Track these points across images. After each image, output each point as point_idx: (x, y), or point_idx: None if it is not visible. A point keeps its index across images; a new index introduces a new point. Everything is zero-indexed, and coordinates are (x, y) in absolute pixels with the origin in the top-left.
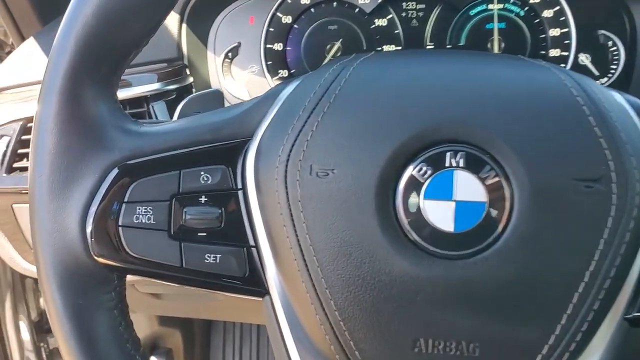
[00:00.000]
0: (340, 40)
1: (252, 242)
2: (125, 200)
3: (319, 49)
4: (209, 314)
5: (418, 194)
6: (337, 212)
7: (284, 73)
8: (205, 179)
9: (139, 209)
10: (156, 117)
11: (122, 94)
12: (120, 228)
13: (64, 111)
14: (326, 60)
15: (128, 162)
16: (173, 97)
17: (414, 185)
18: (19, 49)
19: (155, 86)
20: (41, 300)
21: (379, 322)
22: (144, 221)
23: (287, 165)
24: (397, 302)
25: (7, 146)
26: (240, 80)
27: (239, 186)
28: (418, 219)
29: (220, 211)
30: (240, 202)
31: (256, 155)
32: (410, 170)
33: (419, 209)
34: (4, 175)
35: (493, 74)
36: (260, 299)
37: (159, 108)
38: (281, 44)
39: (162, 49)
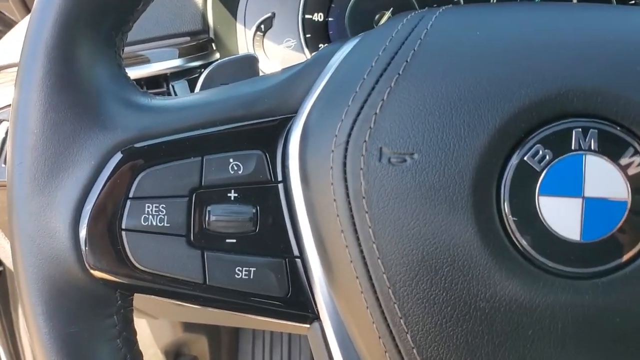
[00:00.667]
0: (391, 9)
1: (296, 252)
2: (131, 195)
3: (366, 19)
4: (237, 321)
5: (532, 188)
6: (418, 213)
7: None
8: (235, 167)
9: (149, 207)
10: None
11: (139, 71)
12: (123, 232)
13: (51, 76)
14: None
15: (135, 145)
16: (197, 75)
17: (527, 175)
18: (21, 23)
19: (177, 62)
20: None
21: None
22: (155, 223)
23: (347, 148)
24: (500, 339)
25: (7, 133)
26: (274, 56)
27: (279, 178)
28: (531, 223)
29: (254, 210)
30: (281, 199)
31: (302, 137)
32: (521, 155)
33: (533, 208)
34: (3, 166)
35: (636, 26)
36: (307, 325)
37: (180, 88)
38: (322, 14)
39: (185, 20)
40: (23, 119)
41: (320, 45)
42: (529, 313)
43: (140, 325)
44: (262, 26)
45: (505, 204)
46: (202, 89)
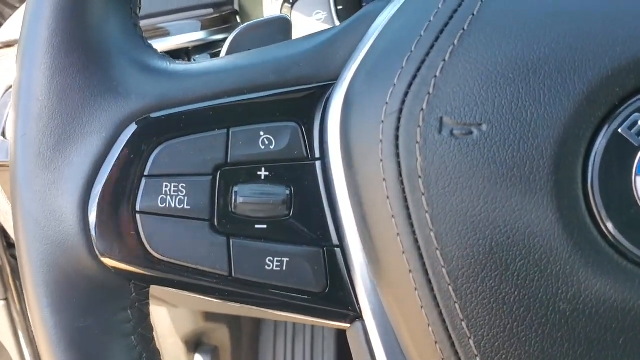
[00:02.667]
0: None
1: (335, 241)
2: (147, 172)
3: None
4: (263, 313)
5: (627, 167)
6: (486, 196)
7: None
8: (267, 142)
9: (167, 186)
10: None
11: (158, 44)
12: (138, 215)
13: (57, 35)
14: None
15: (151, 115)
16: (220, 49)
17: (621, 150)
18: None
19: (199, 35)
20: None
21: None
22: (173, 205)
23: (401, 118)
24: (584, 348)
25: None
26: (303, 30)
27: (317, 154)
28: (626, 209)
29: (288, 192)
30: (319, 179)
31: (345, 106)
32: (614, 126)
33: (628, 191)
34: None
35: None
36: (346, 325)
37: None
38: None
39: None
40: (27, 84)
41: None
42: (620, 317)
43: (160, 313)
44: None
45: (594, 185)
46: (227, 54)
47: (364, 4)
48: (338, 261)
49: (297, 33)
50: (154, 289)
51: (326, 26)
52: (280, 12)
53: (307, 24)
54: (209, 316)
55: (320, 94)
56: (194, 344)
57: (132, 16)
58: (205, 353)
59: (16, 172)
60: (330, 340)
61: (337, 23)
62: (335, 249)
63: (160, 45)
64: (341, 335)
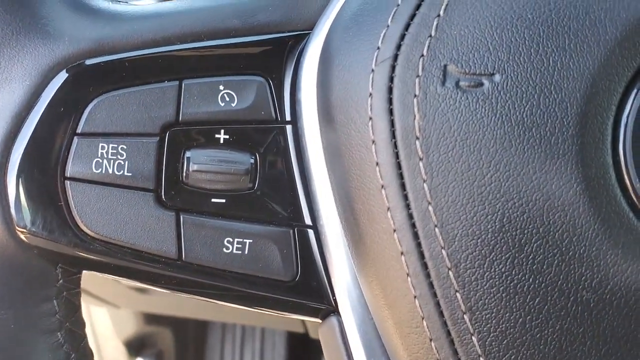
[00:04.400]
0: None
1: (308, 220)
2: (79, 130)
3: None
4: (205, 313)
5: None
6: (498, 162)
7: None
8: (227, 98)
9: (104, 148)
10: None
11: None
12: (67, 182)
13: None
14: None
15: (87, 62)
16: None
17: None
18: None
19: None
20: None
21: None
22: (111, 171)
23: (396, 66)
24: (610, 346)
25: None
26: None
27: (287, 116)
28: None
29: (252, 160)
30: (289, 146)
31: (323, 58)
32: None
33: None
34: None
35: None
36: (318, 320)
37: None
38: None
39: None
40: None
41: None
42: None
43: (100, 314)
44: None
45: (626, 149)
46: None
47: None
48: (310, 244)
49: None
50: (88, 283)
51: None
52: None
53: None
54: (153, 318)
55: (292, 45)
56: (137, 347)
57: None
58: (148, 357)
59: None
60: (280, 347)
61: None
62: (308, 229)
63: None
64: (292, 341)
